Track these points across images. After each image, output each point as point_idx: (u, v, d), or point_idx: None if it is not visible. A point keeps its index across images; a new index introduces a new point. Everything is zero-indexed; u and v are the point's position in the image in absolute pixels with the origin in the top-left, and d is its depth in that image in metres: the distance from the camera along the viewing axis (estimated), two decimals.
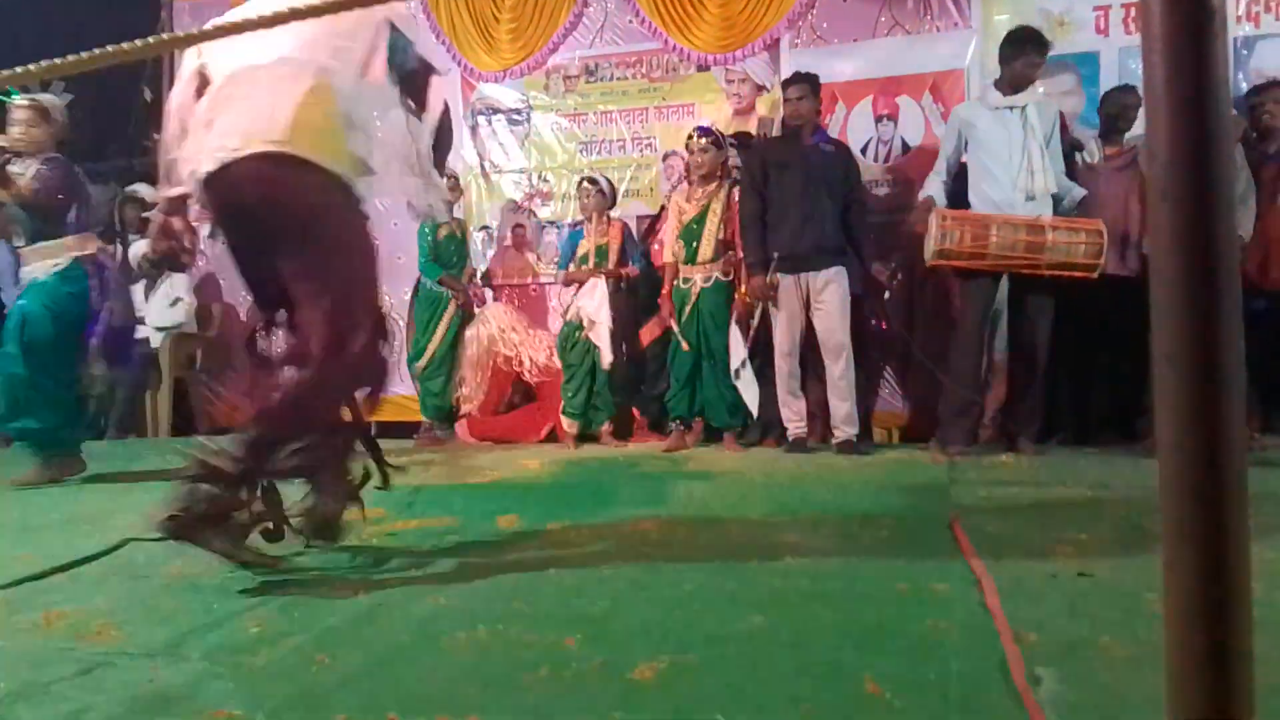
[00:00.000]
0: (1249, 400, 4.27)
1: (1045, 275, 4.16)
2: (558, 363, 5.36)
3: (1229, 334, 0.56)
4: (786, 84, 4.80)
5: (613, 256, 5.27)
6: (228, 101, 2.18)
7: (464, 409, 5.62)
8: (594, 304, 5.14)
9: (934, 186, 4.50)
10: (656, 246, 5.51)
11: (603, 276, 5.18)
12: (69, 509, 3.28)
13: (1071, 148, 4.61)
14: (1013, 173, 4.28)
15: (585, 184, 5.38)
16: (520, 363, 5.52)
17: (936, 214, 4.23)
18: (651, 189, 5.85)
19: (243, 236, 2.25)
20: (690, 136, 4.98)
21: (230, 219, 2.23)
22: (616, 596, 1.96)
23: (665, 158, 5.80)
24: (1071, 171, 4.50)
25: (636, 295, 5.35)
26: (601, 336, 5.11)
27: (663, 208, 5.63)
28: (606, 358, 5.10)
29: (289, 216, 2.13)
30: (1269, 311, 4.26)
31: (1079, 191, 4.38)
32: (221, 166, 2.09)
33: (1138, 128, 4.54)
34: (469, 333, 5.58)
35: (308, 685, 1.45)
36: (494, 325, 5.56)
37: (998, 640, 1.60)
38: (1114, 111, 4.61)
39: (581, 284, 5.25)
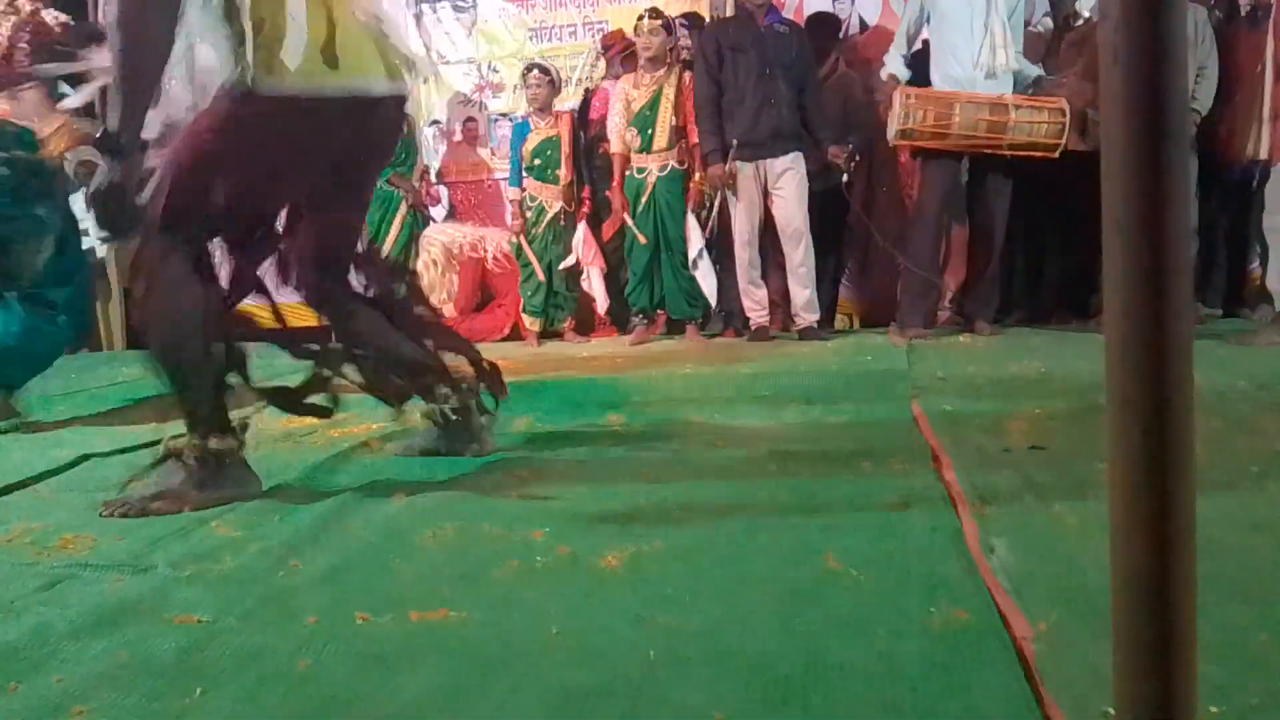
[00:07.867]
0: (1210, 274, 4.35)
1: (1006, 155, 4.13)
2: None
3: (1178, 198, 0.55)
4: None
5: (564, 149, 5.11)
6: None
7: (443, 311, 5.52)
8: (592, 252, 5.05)
9: (894, 63, 4.39)
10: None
11: (583, 221, 5.06)
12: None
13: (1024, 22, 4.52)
14: (974, 48, 4.19)
15: (536, 72, 5.11)
16: (483, 250, 5.39)
17: (900, 92, 4.15)
18: (601, 77, 5.66)
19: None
20: (640, 18, 4.81)
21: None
22: (583, 488, 1.98)
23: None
24: (1028, 48, 4.41)
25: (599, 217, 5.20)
26: (595, 283, 5.07)
27: (588, 90, 5.45)
28: (602, 303, 5.10)
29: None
30: (1238, 184, 4.28)
31: (1033, 71, 4.28)
32: None
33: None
34: (419, 259, 5.41)
35: (277, 588, 1.46)
36: (444, 238, 5.41)
37: (955, 513, 1.65)
38: None
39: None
